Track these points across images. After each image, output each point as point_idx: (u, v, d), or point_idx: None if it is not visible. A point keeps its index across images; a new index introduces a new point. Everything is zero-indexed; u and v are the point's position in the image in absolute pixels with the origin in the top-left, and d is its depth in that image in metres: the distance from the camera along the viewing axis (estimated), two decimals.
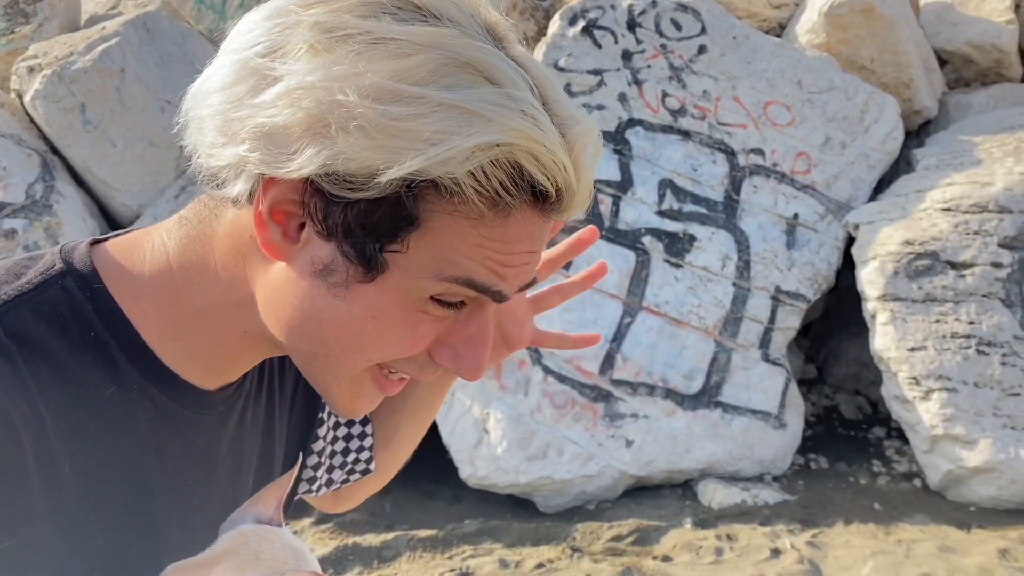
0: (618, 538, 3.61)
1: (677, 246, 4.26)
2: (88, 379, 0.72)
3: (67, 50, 5.06)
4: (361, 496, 1.17)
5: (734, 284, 4.23)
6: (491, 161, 0.63)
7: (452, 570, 3.42)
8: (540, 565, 3.43)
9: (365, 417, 1.07)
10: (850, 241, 4.33)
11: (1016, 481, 3.57)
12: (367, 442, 1.08)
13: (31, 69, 5.02)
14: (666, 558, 3.45)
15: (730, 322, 4.18)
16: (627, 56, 4.60)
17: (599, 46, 4.61)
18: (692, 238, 4.28)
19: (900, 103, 4.76)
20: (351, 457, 1.07)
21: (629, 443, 3.95)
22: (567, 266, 3.79)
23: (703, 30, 4.67)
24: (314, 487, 1.06)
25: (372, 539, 3.67)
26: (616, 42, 4.62)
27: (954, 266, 3.93)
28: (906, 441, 4.16)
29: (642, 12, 4.67)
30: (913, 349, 3.82)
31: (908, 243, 3.98)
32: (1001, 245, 3.93)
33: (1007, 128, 4.65)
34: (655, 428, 3.98)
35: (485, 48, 0.65)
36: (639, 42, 4.63)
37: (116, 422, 0.73)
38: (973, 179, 4.16)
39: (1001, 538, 3.42)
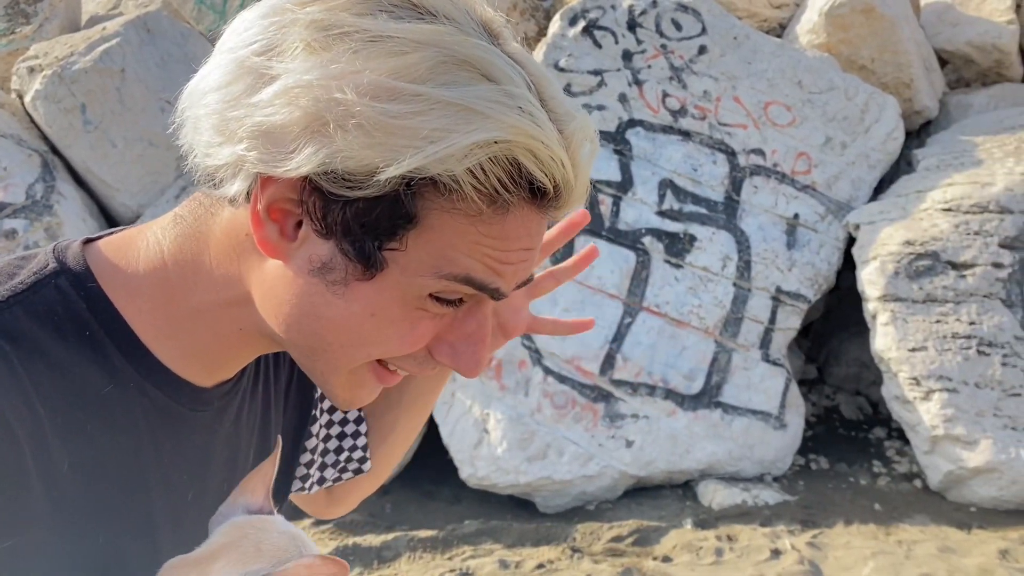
0: (618, 538, 3.61)
1: (677, 246, 4.26)
2: (84, 378, 0.71)
3: (68, 50, 5.06)
4: (355, 499, 1.16)
5: (734, 284, 4.23)
6: (489, 158, 0.63)
7: (452, 570, 3.42)
8: (540, 566, 3.43)
9: (359, 415, 1.07)
10: (851, 241, 4.33)
11: (1017, 482, 3.57)
12: (360, 441, 1.08)
13: (32, 69, 5.02)
14: (666, 558, 3.45)
15: (730, 322, 4.18)
16: (627, 56, 4.60)
17: (599, 46, 4.61)
18: (692, 238, 4.28)
19: (901, 103, 4.76)
20: (344, 455, 1.07)
21: (629, 443, 3.95)
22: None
23: (703, 30, 4.66)
24: (307, 484, 1.06)
25: (372, 539, 3.67)
26: (616, 42, 4.62)
27: (955, 266, 3.93)
28: (907, 442, 4.16)
29: (642, 12, 4.67)
30: (914, 349, 3.82)
31: (909, 243, 3.98)
32: (1002, 245, 3.92)
33: (1008, 128, 4.65)
34: (655, 428, 3.98)
35: (482, 45, 0.64)
36: (639, 42, 4.63)
37: (113, 420, 0.73)
38: (974, 179, 4.15)
39: (1002, 539, 3.42)
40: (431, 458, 4.16)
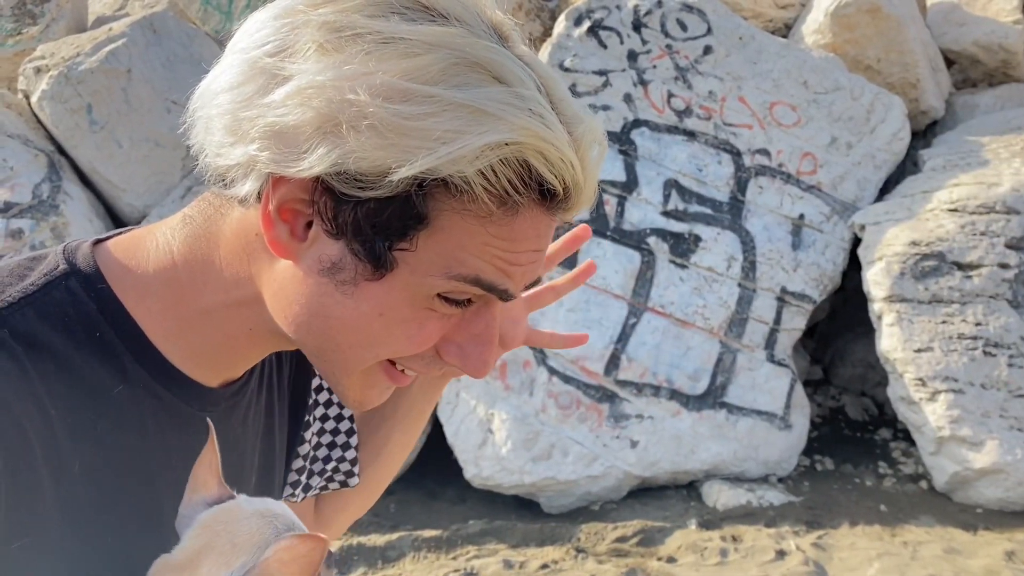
0: (623, 539, 3.60)
1: (682, 247, 4.26)
2: (95, 379, 0.72)
3: (74, 51, 5.07)
4: (343, 521, 1.14)
5: (739, 285, 4.23)
6: (500, 160, 0.63)
7: (456, 570, 3.42)
8: (544, 566, 3.43)
9: (351, 427, 1.06)
10: (856, 242, 4.32)
11: (1023, 483, 3.56)
12: (349, 453, 1.06)
13: (38, 70, 5.04)
14: (671, 559, 3.44)
15: (735, 323, 4.17)
16: (633, 56, 4.60)
17: (604, 46, 4.61)
18: (697, 239, 4.27)
19: (907, 103, 4.75)
20: (331, 465, 1.06)
21: (634, 444, 3.94)
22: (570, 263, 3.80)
23: (709, 30, 4.66)
24: (296, 491, 1.05)
25: (376, 539, 3.67)
26: (622, 42, 4.61)
27: (961, 267, 3.92)
28: (912, 442, 4.15)
29: (648, 12, 4.67)
30: (919, 350, 3.81)
31: (914, 244, 3.97)
32: (1008, 246, 3.91)
33: (1014, 129, 4.63)
34: (660, 429, 3.98)
35: (493, 48, 0.65)
36: (645, 42, 4.62)
37: (123, 421, 0.74)
38: (980, 180, 4.14)
39: (1008, 540, 3.41)
40: (436, 458, 4.16)
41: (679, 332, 4.13)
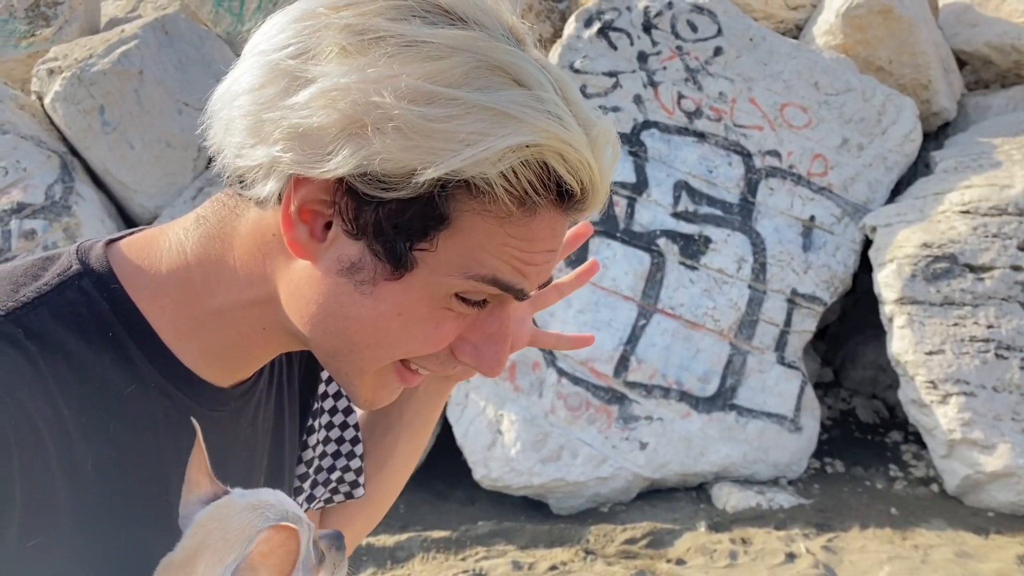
0: (632, 540, 3.60)
1: (692, 248, 4.25)
2: (107, 378, 0.72)
3: (87, 52, 5.10)
4: (352, 535, 1.10)
5: (750, 286, 4.22)
6: (522, 162, 0.64)
7: (465, 571, 3.42)
8: (553, 567, 3.43)
9: (356, 436, 1.06)
10: (867, 244, 4.31)
11: None
12: (354, 463, 1.06)
13: (51, 71, 5.07)
14: (680, 561, 3.44)
15: (745, 324, 4.16)
16: (643, 58, 4.59)
17: (614, 48, 4.60)
18: (707, 240, 4.26)
19: (918, 105, 4.73)
20: (335, 475, 1.05)
21: (643, 445, 3.94)
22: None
23: (719, 31, 4.65)
24: (299, 500, 1.04)
25: (386, 539, 3.68)
26: (632, 44, 4.61)
27: (972, 269, 3.90)
28: (923, 445, 4.13)
29: (658, 14, 4.66)
30: (931, 353, 3.79)
31: (926, 246, 3.95)
32: (1020, 248, 3.89)
33: None
34: (669, 430, 3.97)
35: (513, 51, 0.66)
36: (655, 44, 4.62)
37: (135, 420, 0.74)
38: (992, 181, 4.12)
39: (1020, 544, 3.39)
40: (445, 459, 4.17)
41: (689, 334, 4.13)
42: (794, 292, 4.23)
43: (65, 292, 0.72)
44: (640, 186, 4.35)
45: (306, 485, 1.04)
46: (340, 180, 0.65)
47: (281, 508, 0.73)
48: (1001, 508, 3.65)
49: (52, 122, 5.12)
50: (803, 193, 4.40)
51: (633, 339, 4.09)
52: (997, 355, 3.74)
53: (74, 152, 5.09)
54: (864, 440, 4.58)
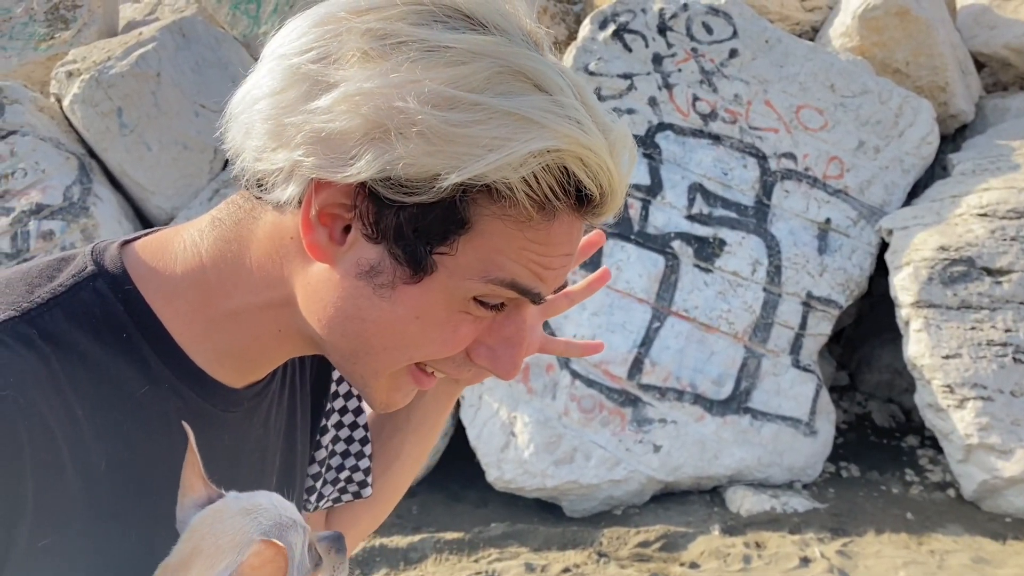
0: (645, 544, 3.59)
1: (707, 251, 4.24)
2: (121, 379, 0.73)
3: (105, 55, 5.15)
4: (356, 535, 1.12)
5: (764, 289, 4.20)
6: (543, 167, 0.65)
7: (478, 573, 3.42)
8: (566, 570, 3.42)
9: (365, 436, 1.06)
10: (883, 246, 4.28)
11: None
12: (363, 463, 1.07)
13: (70, 74, 5.12)
14: (693, 565, 3.42)
15: (760, 327, 4.15)
16: (657, 60, 4.59)
17: (629, 50, 4.60)
18: (722, 243, 4.25)
19: (936, 107, 4.69)
20: (344, 474, 1.06)
21: (657, 448, 3.93)
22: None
23: (734, 34, 4.64)
24: (312, 498, 1.05)
25: (399, 540, 3.69)
26: (647, 46, 4.61)
27: (990, 272, 3.87)
28: (940, 450, 4.10)
29: (673, 16, 4.66)
30: (947, 357, 3.76)
31: (943, 249, 3.92)
32: None
33: None
34: (683, 434, 3.96)
35: (533, 56, 0.66)
36: (670, 46, 4.61)
37: (148, 421, 0.75)
38: (1010, 184, 4.08)
39: None
40: (458, 460, 4.17)
41: (703, 336, 4.11)
42: (809, 295, 4.21)
43: (79, 293, 0.73)
44: (655, 188, 4.34)
45: (318, 484, 1.05)
46: (361, 184, 0.66)
47: (275, 512, 0.73)
48: (1018, 513, 3.61)
49: (71, 124, 5.16)
50: (819, 196, 4.38)
51: (647, 341, 4.08)
52: (1015, 359, 3.71)
53: (92, 154, 5.13)
54: (880, 444, 4.55)
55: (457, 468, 4.21)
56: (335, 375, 1.03)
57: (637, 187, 4.33)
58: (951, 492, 3.92)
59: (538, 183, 0.65)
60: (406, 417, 1.08)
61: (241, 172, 0.72)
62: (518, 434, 3.95)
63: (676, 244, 4.24)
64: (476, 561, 3.53)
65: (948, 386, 3.73)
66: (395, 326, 0.71)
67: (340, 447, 1.06)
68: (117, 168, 5.08)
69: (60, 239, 4.72)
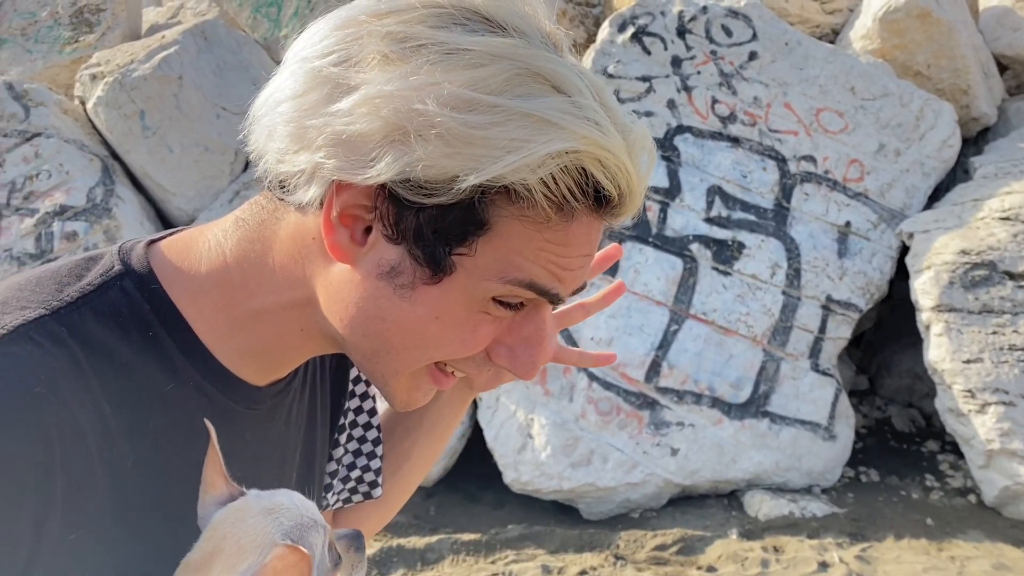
0: (662, 547, 3.58)
1: (725, 253, 4.22)
2: (148, 377, 0.74)
3: (128, 58, 5.21)
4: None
5: (784, 292, 4.18)
6: (561, 168, 0.65)
7: (495, 574, 3.43)
8: (583, 572, 3.42)
9: (377, 436, 1.08)
10: (904, 250, 4.25)
11: None
12: (374, 463, 1.08)
13: (94, 77, 5.18)
14: (711, 568, 3.41)
15: (779, 331, 4.13)
16: (676, 62, 4.58)
17: (648, 52, 4.60)
18: (741, 246, 4.24)
19: (957, 110, 4.66)
20: (355, 473, 1.07)
21: (674, 451, 3.92)
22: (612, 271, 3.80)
23: (754, 36, 4.62)
24: (329, 496, 1.07)
25: (416, 541, 3.70)
26: (666, 48, 4.60)
27: (1012, 277, 3.83)
28: (961, 455, 4.06)
29: (692, 18, 4.65)
30: (969, 361, 3.73)
31: (964, 252, 3.89)
32: None
33: None
34: (701, 437, 3.95)
35: (552, 58, 0.67)
36: (689, 48, 4.60)
37: (174, 418, 0.76)
38: None
39: None
40: (475, 462, 4.18)
41: (721, 340, 4.10)
42: (829, 298, 4.19)
43: (107, 292, 0.74)
44: (673, 191, 4.33)
45: (335, 482, 1.06)
46: (382, 186, 0.66)
47: (295, 512, 0.74)
48: None
49: (94, 126, 5.23)
50: (839, 199, 4.35)
51: (665, 344, 4.08)
52: None
53: (115, 155, 5.19)
54: (900, 449, 4.51)
55: (474, 469, 4.22)
56: (352, 375, 1.04)
57: (655, 190, 4.32)
58: (972, 498, 3.89)
59: (556, 184, 0.65)
60: (419, 420, 1.09)
61: (264, 174, 0.73)
62: (535, 436, 3.95)
63: (694, 247, 4.23)
64: (493, 562, 3.54)
65: (969, 391, 3.70)
66: (415, 326, 0.72)
67: (353, 447, 1.07)
68: (139, 170, 5.14)
69: (83, 240, 4.78)
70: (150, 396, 0.74)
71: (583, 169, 0.66)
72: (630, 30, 4.63)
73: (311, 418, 0.95)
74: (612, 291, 1.01)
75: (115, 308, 0.74)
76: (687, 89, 4.53)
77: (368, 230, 0.70)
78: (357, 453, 1.07)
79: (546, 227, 0.68)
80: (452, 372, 0.79)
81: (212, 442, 0.74)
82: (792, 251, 4.24)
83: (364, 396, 1.06)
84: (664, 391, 4.02)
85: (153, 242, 0.81)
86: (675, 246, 4.23)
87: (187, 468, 0.75)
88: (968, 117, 4.87)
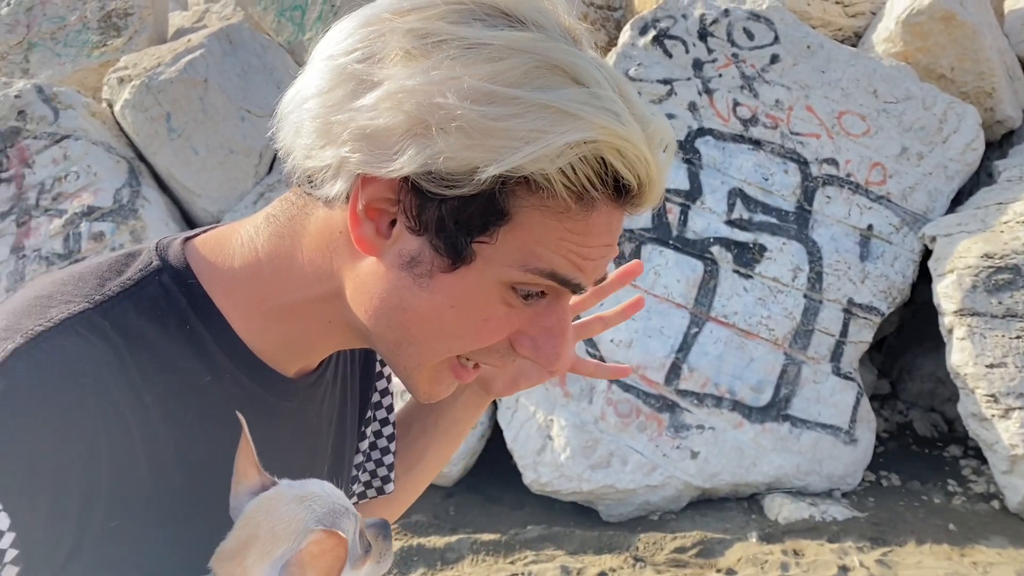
0: (681, 549, 3.58)
1: (747, 256, 4.22)
2: (186, 369, 0.77)
3: (155, 61, 5.28)
4: None
5: (805, 296, 4.17)
6: (580, 157, 0.66)
7: (514, 574, 3.44)
8: (602, 573, 3.43)
9: (392, 434, 1.09)
10: (926, 254, 4.22)
11: None
12: (388, 459, 1.10)
13: (121, 80, 5.25)
14: (730, 571, 3.41)
15: (800, 334, 4.12)
16: (698, 65, 4.58)
17: (670, 55, 4.60)
18: (762, 248, 4.23)
19: (981, 113, 4.62)
20: (370, 467, 1.09)
21: (694, 454, 3.92)
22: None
23: (776, 39, 4.62)
24: (355, 487, 1.08)
25: (436, 541, 3.72)
26: (687, 51, 4.60)
27: None
28: (984, 460, 4.03)
29: (714, 21, 4.65)
30: (992, 366, 3.70)
31: (988, 256, 3.86)
32: None
33: None
34: (721, 440, 3.94)
35: (571, 51, 0.68)
36: (710, 51, 4.60)
37: (211, 410, 0.78)
38: None
39: None
40: (495, 463, 4.20)
41: (742, 343, 4.09)
42: (851, 302, 4.17)
43: (147, 287, 0.77)
44: (694, 193, 4.33)
45: (360, 473, 1.09)
46: (405, 179, 0.68)
47: (328, 500, 0.75)
48: None
49: (121, 128, 5.30)
50: (861, 202, 4.34)
51: (685, 347, 4.08)
52: None
53: (141, 157, 5.26)
54: (921, 454, 4.49)
55: (494, 470, 4.23)
56: (375, 369, 1.06)
57: (676, 192, 4.32)
58: (995, 504, 3.86)
59: (575, 174, 0.66)
60: (434, 421, 1.10)
61: (292, 169, 0.74)
62: (554, 437, 3.96)
63: (715, 249, 4.22)
64: (512, 563, 3.55)
65: (992, 395, 3.67)
66: (432, 315, 0.73)
67: (370, 442, 1.09)
68: (165, 171, 5.21)
69: (110, 240, 4.85)
70: (188, 387, 0.76)
71: (602, 159, 0.67)
72: (651, 33, 4.64)
73: (342, 410, 0.97)
74: (631, 305, 1.02)
75: (154, 302, 0.76)
76: (708, 92, 4.53)
77: (393, 223, 0.72)
78: (372, 447, 1.09)
79: (566, 217, 0.69)
80: (475, 365, 0.81)
81: (244, 433, 0.76)
82: (814, 254, 4.23)
83: (384, 392, 1.08)
84: (684, 394, 4.02)
85: (188, 239, 0.83)
86: (696, 248, 4.23)
87: (223, 458, 0.77)
88: (992, 120, 4.83)
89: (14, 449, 0.64)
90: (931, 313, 4.08)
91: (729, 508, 3.96)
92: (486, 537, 3.74)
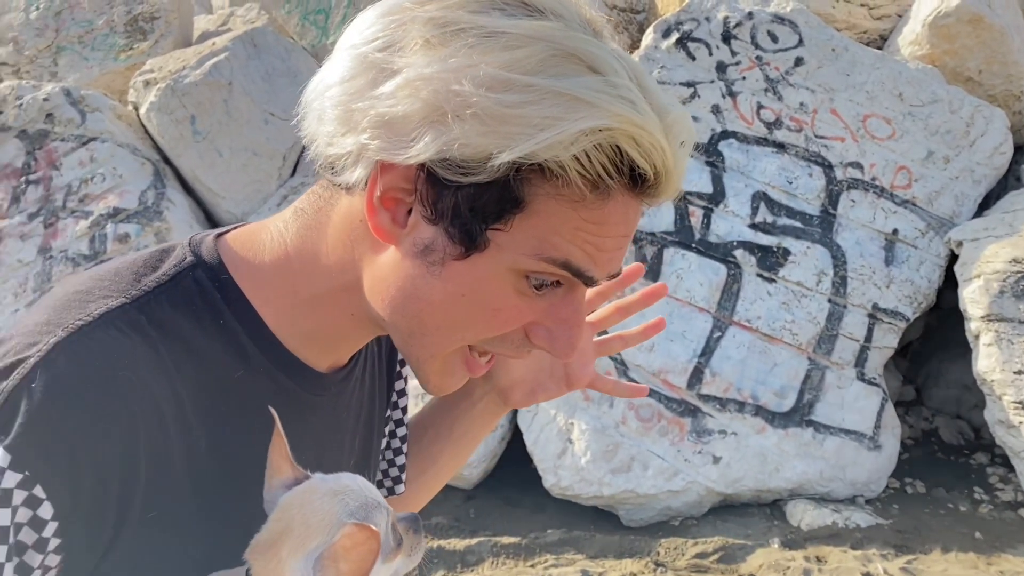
0: (703, 555, 3.56)
1: (770, 260, 4.19)
2: (220, 363, 0.77)
3: (180, 64, 5.33)
4: None
5: (829, 300, 4.14)
6: (595, 145, 0.66)
7: None
8: None
9: (405, 435, 1.10)
10: (953, 259, 4.18)
11: None
12: (400, 459, 1.10)
13: (147, 83, 5.31)
14: None
15: (824, 339, 4.08)
16: (721, 68, 4.56)
17: (693, 58, 4.59)
18: (786, 252, 4.20)
19: (1010, 116, 4.57)
20: (382, 466, 1.10)
21: (716, 460, 3.89)
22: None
23: (800, 42, 4.59)
24: (382, 480, 1.09)
25: (456, 543, 3.72)
26: (710, 54, 4.59)
27: None
28: (1011, 468, 3.97)
29: (738, 24, 4.63)
30: (1019, 372, 3.66)
31: (1015, 261, 3.81)
32: None
33: None
34: (744, 445, 3.92)
35: (588, 40, 0.68)
36: (734, 54, 4.58)
37: (244, 404, 0.79)
38: None
39: None
40: (515, 466, 4.19)
41: (765, 347, 4.07)
42: (875, 307, 4.13)
43: (181, 282, 0.78)
44: (717, 196, 4.31)
45: (385, 467, 1.09)
46: (421, 166, 0.69)
47: (361, 494, 0.76)
48: None
49: (146, 131, 5.35)
50: (886, 206, 4.30)
51: (707, 351, 4.05)
52: None
53: (166, 160, 5.31)
54: (947, 461, 4.43)
55: (514, 473, 4.23)
56: (398, 368, 1.07)
57: (699, 195, 4.31)
58: (1022, 512, 3.80)
59: (590, 162, 0.66)
60: (448, 428, 1.11)
61: (316, 156, 0.75)
62: (575, 441, 3.95)
63: (739, 253, 4.20)
64: (532, 566, 3.55)
65: (1020, 402, 3.62)
66: (444, 302, 0.73)
67: (384, 441, 1.09)
68: (189, 174, 5.25)
69: (135, 242, 4.89)
70: (222, 381, 0.77)
71: (617, 147, 0.67)
72: (675, 36, 4.63)
73: (370, 405, 0.98)
74: (652, 326, 1.04)
75: (188, 297, 0.77)
76: (732, 95, 4.51)
77: (409, 212, 0.72)
78: (386, 447, 1.10)
79: (582, 206, 0.69)
80: (489, 360, 0.81)
81: (277, 427, 0.76)
82: (838, 258, 4.19)
83: (401, 393, 1.08)
84: (706, 398, 3.99)
85: (221, 235, 0.84)
86: (719, 252, 4.21)
87: (256, 451, 0.78)
88: (1021, 123, 4.78)
89: (57, 440, 0.65)
90: (957, 319, 4.04)
91: (751, 514, 3.93)
92: (506, 540, 3.73)
